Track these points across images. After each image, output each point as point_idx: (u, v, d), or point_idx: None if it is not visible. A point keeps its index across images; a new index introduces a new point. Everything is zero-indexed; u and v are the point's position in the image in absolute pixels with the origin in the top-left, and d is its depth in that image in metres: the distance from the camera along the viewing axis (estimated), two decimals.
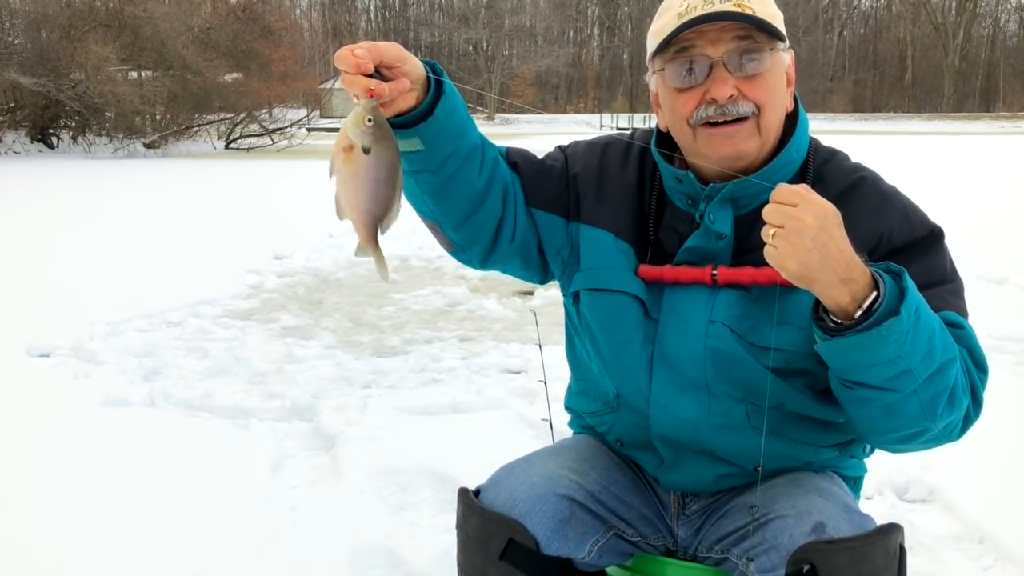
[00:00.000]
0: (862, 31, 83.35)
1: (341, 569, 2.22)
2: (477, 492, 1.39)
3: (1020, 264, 6.20)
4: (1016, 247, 7.08)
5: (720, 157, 1.29)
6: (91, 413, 3.36)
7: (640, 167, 1.45)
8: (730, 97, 1.25)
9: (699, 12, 1.24)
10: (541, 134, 43.63)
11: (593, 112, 67.07)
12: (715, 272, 1.32)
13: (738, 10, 1.24)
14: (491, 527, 1.32)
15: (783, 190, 1.11)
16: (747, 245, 1.33)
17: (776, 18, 1.29)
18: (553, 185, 1.47)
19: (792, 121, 1.36)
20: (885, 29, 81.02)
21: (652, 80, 1.39)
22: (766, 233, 1.11)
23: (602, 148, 1.49)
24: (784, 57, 1.31)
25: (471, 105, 73.49)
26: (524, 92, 69.59)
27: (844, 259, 1.09)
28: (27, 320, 4.76)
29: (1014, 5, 75.01)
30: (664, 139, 1.41)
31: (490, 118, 62.34)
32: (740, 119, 1.27)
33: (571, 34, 79.33)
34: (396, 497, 2.67)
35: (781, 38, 1.28)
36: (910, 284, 1.11)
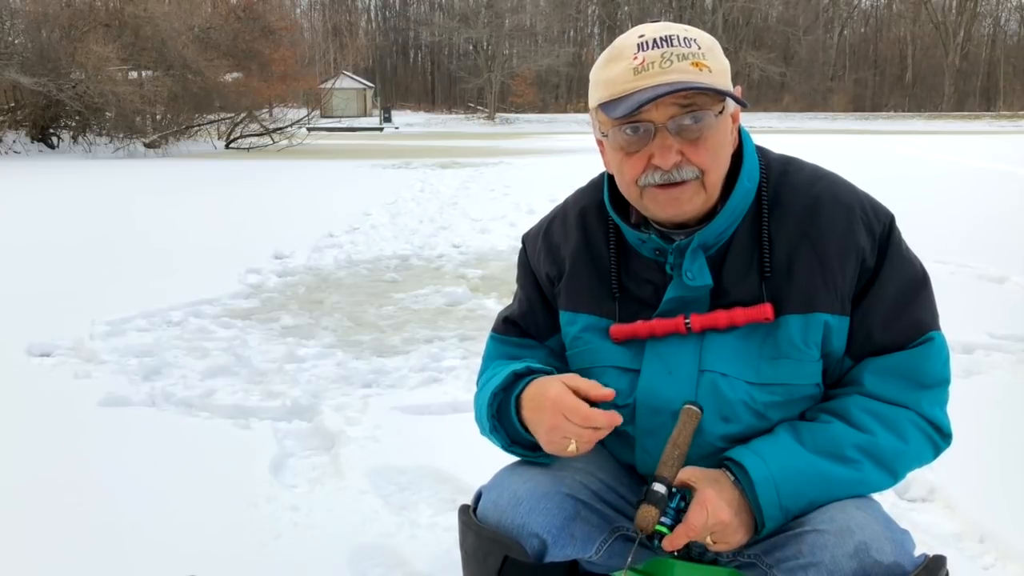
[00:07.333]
0: (862, 30, 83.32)
1: (341, 569, 2.22)
2: (479, 494, 1.39)
3: (1020, 263, 6.19)
4: (1016, 246, 7.07)
5: (666, 216, 1.32)
6: (91, 413, 3.36)
7: (583, 228, 1.46)
8: (675, 163, 1.26)
9: (656, 71, 1.23)
10: (541, 133, 43.61)
11: None
12: (688, 321, 1.33)
13: (695, 71, 1.23)
14: (487, 545, 1.32)
15: (696, 532, 1.23)
16: (720, 289, 1.34)
17: (724, 73, 1.28)
18: (543, 314, 1.51)
19: (737, 148, 1.36)
20: (885, 28, 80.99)
21: (595, 125, 1.37)
22: (708, 543, 1.26)
23: (546, 230, 1.52)
24: (730, 108, 1.30)
25: (471, 104, 72.85)
26: (524, 91, 69.52)
27: (744, 516, 1.26)
28: (27, 320, 4.76)
29: (1014, 4, 75.00)
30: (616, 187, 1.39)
31: (490, 118, 62.30)
32: (684, 181, 1.27)
33: (571, 33, 79.30)
34: (396, 497, 2.67)
35: (730, 95, 1.27)
36: (757, 479, 1.25)
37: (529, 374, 1.37)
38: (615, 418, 1.25)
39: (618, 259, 1.41)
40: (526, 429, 1.34)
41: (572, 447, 1.26)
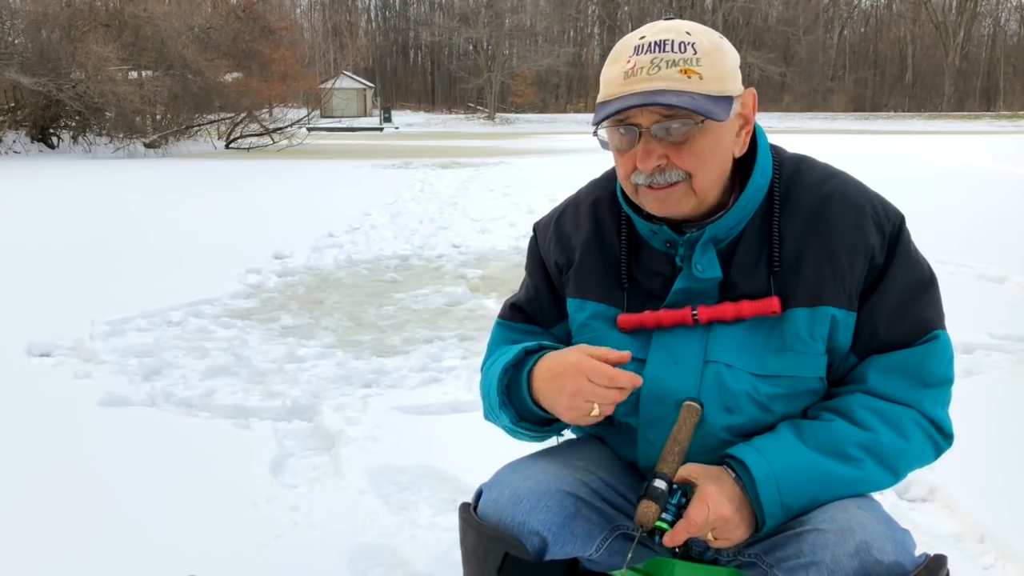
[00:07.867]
0: (862, 30, 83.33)
1: (341, 569, 2.22)
2: (480, 492, 1.39)
3: (1020, 263, 6.20)
4: (1016, 246, 7.08)
5: (659, 214, 1.34)
6: (91, 413, 3.36)
7: (594, 218, 1.47)
8: (657, 166, 1.27)
9: (643, 77, 1.24)
10: (541, 133, 43.61)
11: (593, 111, 66.72)
12: (695, 312, 1.34)
13: (682, 78, 1.23)
14: (487, 542, 1.32)
15: (696, 528, 1.22)
16: (728, 282, 1.35)
17: (721, 79, 1.27)
18: (549, 301, 1.53)
19: (751, 144, 1.37)
20: (885, 28, 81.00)
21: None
22: (709, 539, 1.26)
23: (558, 219, 1.53)
24: (730, 111, 1.29)
25: (471, 104, 72.77)
26: (524, 91, 69.52)
27: (745, 513, 1.26)
28: (27, 320, 4.76)
29: (1014, 4, 75.01)
30: None
31: (490, 118, 62.31)
32: (672, 184, 1.29)
33: (571, 33, 79.25)
34: (396, 497, 2.67)
35: (700, 112, 1.25)
36: (759, 476, 1.25)
37: (540, 351, 1.39)
38: (637, 379, 1.27)
39: (628, 250, 1.43)
40: (537, 404, 1.35)
41: (596, 411, 1.27)
